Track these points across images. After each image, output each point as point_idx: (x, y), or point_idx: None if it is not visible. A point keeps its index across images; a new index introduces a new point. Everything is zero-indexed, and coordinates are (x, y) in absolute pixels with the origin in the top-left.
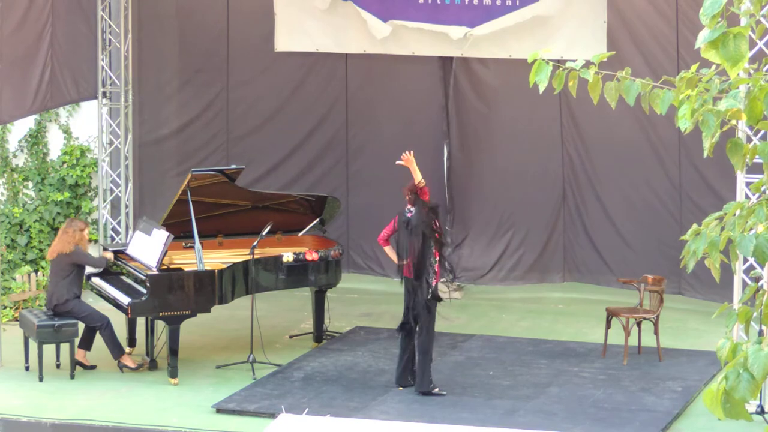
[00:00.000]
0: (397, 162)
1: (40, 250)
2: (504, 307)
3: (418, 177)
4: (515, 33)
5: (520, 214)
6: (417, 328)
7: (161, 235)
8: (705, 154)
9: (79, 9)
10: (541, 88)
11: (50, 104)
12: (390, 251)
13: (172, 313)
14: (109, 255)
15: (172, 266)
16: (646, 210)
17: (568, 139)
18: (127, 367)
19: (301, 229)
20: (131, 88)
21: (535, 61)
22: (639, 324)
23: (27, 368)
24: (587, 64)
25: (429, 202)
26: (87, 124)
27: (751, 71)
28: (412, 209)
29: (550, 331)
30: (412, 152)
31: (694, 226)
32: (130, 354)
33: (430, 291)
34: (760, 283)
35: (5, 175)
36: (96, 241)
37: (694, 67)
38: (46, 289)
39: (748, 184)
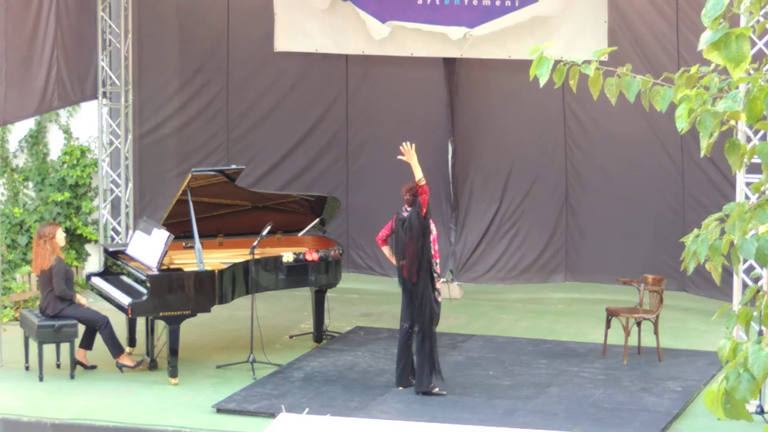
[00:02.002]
0: (399, 157)
1: None
2: (504, 307)
3: (418, 174)
4: (515, 33)
5: (521, 213)
6: (415, 329)
7: (161, 235)
8: (702, 153)
9: (81, 9)
10: (542, 82)
11: (56, 104)
12: (387, 251)
13: (172, 313)
14: (84, 301)
15: (172, 266)
16: (648, 209)
17: (571, 139)
18: (127, 367)
19: (301, 229)
20: (131, 88)
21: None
22: (639, 324)
23: (27, 368)
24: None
25: (427, 205)
26: (87, 124)
27: (751, 71)
28: (409, 209)
29: (550, 331)
30: (413, 145)
31: (695, 230)
32: (130, 354)
33: (435, 292)
34: (759, 284)
35: (5, 175)
36: (96, 241)
37: (694, 68)
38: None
39: (748, 184)
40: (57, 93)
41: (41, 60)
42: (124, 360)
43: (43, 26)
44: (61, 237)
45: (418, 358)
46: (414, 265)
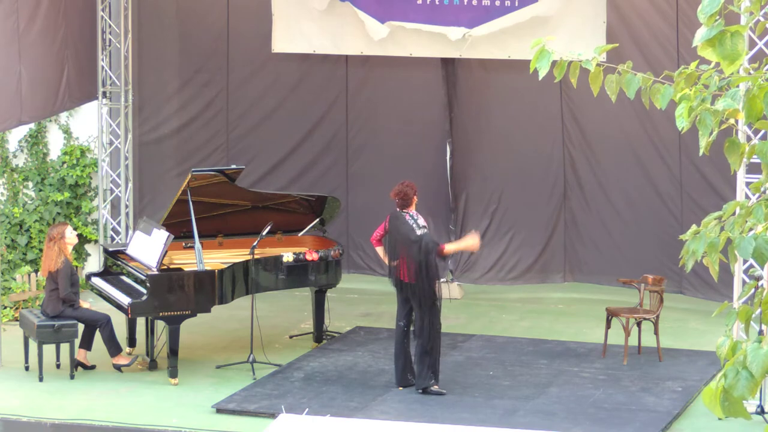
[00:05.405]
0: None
1: (40, 250)
2: (504, 307)
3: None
4: (514, 34)
5: (520, 213)
6: (415, 329)
7: (161, 235)
8: (701, 152)
9: (85, 9)
10: (541, 75)
11: (68, 105)
12: (381, 252)
13: (172, 313)
14: (87, 305)
15: (172, 266)
16: (647, 210)
17: (569, 139)
18: (124, 365)
19: (301, 229)
20: (131, 88)
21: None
22: (639, 324)
23: (27, 368)
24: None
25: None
26: (87, 124)
27: (751, 71)
28: (414, 215)
29: (550, 331)
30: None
31: (694, 226)
32: (129, 354)
33: (437, 292)
34: (759, 283)
35: (5, 175)
36: (96, 241)
37: (693, 65)
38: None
39: (748, 184)
40: (69, 93)
41: (53, 61)
42: (120, 360)
43: (52, 27)
44: (71, 235)
45: (419, 357)
46: (427, 275)
